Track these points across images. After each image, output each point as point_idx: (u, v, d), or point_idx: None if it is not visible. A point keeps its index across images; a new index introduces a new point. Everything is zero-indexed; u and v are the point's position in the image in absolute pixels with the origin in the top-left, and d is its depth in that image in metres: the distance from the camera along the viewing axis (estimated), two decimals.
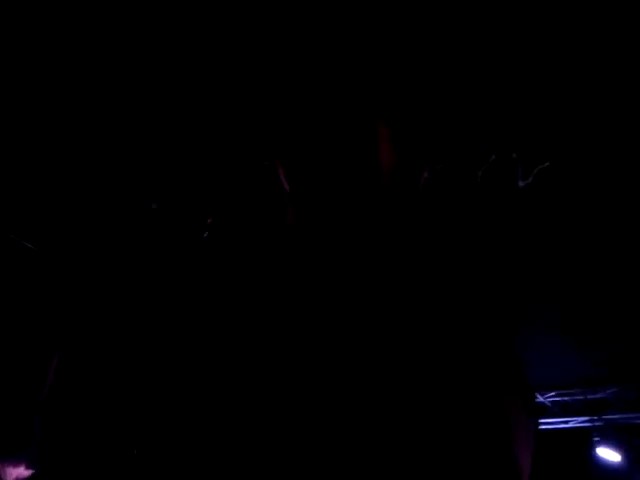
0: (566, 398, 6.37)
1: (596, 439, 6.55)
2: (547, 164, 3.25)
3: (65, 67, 3.25)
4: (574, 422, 6.64)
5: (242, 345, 0.90)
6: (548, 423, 6.71)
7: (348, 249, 0.94)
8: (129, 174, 3.92)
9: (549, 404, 6.59)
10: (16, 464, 2.81)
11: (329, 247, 0.95)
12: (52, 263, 4.30)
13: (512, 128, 3.26)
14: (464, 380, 0.80)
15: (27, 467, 2.80)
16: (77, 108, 3.50)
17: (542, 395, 6.50)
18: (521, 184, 3.32)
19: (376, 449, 0.78)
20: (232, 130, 3.50)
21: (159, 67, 3.22)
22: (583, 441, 6.68)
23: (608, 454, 6.50)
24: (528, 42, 3.04)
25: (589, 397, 6.10)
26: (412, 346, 0.84)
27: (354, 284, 0.90)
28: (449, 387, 0.79)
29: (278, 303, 0.93)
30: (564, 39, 3.05)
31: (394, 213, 1.00)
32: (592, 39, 3.01)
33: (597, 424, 6.42)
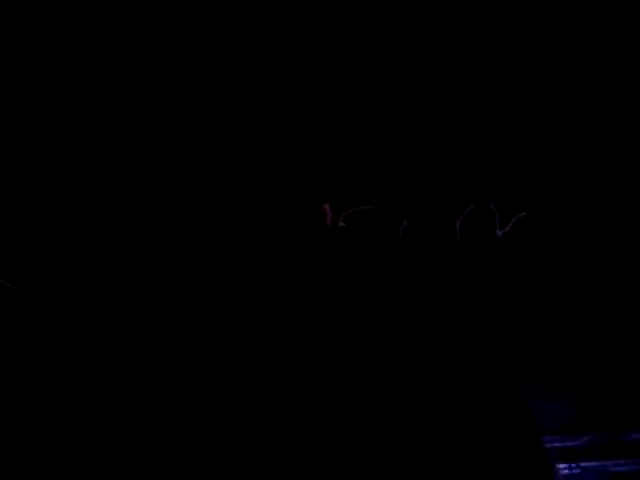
0: (545, 445, 6.35)
1: None
2: (524, 214, 3.32)
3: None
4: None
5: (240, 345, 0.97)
6: None
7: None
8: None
9: None
10: None
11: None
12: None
13: (490, 179, 3.33)
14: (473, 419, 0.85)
15: None
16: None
17: None
18: (499, 233, 3.37)
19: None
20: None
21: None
22: None
23: None
24: (497, 95, 3.14)
25: (567, 444, 6.09)
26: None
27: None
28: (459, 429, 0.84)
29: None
30: (535, 92, 3.15)
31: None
32: (564, 94, 3.12)
33: (575, 472, 6.39)
